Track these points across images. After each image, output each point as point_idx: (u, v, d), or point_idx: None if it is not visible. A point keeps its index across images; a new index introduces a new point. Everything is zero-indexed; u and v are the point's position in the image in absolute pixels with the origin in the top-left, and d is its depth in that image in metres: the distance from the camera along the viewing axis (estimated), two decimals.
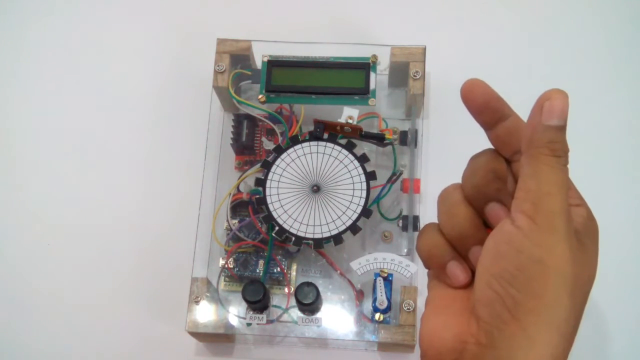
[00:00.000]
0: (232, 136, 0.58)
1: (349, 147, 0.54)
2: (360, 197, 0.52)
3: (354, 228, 0.52)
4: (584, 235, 0.33)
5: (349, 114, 0.53)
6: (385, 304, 0.52)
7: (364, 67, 0.55)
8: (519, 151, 0.35)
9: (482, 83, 0.37)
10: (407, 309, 0.51)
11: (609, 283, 0.58)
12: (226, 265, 0.55)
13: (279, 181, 0.53)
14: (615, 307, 0.57)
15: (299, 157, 0.54)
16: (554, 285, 0.31)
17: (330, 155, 0.53)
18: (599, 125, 0.62)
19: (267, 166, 0.54)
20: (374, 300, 0.52)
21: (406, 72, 0.57)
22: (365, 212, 0.52)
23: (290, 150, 0.54)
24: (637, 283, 0.58)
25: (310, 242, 0.52)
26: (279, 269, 0.55)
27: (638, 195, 0.60)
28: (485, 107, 0.37)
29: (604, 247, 0.58)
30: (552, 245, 0.31)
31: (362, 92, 0.55)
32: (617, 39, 0.65)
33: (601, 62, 0.64)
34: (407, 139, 0.56)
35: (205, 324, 0.53)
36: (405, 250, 0.55)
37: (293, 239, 0.52)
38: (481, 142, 0.62)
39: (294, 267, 0.56)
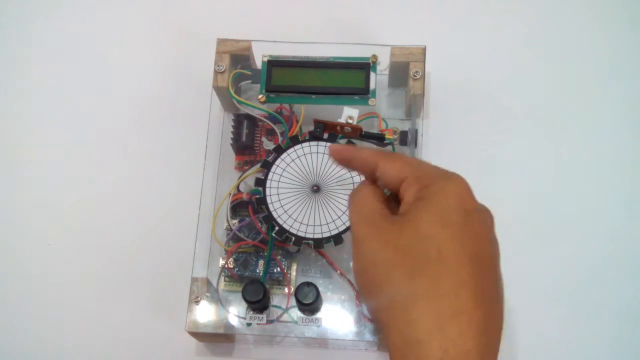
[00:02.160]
0: (232, 136, 0.58)
1: None
2: None
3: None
4: (410, 211, 0.35)
5: (349, 114, 0.53)
6: None
7: (364, 67, 0.55)
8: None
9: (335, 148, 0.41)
10: None
11: (609, 282, 0.58)
12: (226, 265, 0.55)
13: (279, 181, 0.53)
14: (615, 305, 0.57)
15: (299, 157, 0.54)
16: (374, 272, 0.34)
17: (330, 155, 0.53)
18: (599, 125, 0.62)
19: (267, 166, 0.54)
20: None
21: (406, 72, 0.57)
22: None
23: (290, 150, 0.54)
24: (637, 283, 0.58)
25: (310, 242, 0.52)
26: (279, 269, 0.55)
27: (637, 195, 0.60)
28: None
29: (603, 246, 0.58)
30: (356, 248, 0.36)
31: (362, 92, 0.55)
32: (617, 39, 0.65)
33: (600, 62, 0.64)
34: (407, 139, 0.56)
35: (205, 324, 0.53)
36: None
37: (293, 239, 0.52)
38: (481, 142, 0.63)
39: (294, 267, 0.56)
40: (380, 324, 0.34)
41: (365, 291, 0.36)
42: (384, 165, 0.37)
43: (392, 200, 0.38)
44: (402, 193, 0.36)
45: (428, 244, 0.33)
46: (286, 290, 0.55)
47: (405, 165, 0.37)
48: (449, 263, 0.33)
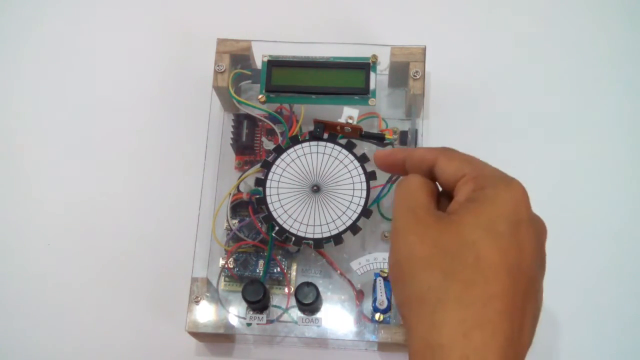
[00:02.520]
0: (232, 136, 0.58)
1: (349, 147, 0.54)
2: (360, 197, 0.52)
3: (354, 228, 0.52)
4: (458, 212, 0.34)
5: (349, 114, 0.53)
6: (385, 304, 0.52)
7: (364, 67, 0.55)
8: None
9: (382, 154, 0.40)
10: None
11: (609, 282, 0.58)
12: (226, 265, 0.55)
13: (279, 181, 0.53)
14: (616, 306, 0.57)
15: (299, 157, 0.54)
16: (407, 267, 0.33)
17: (330, 155, 0.53)
18: (599, 125, 0.62)
19: (267, 166, 0.54)
20: (374, 300, 0.52)
21: (406, 72, 0.57)
22: (365, 212, 0.52)
23: (290, 150, 0.54)
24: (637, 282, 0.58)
25: (310, 242, 0.52)
26: (279, 269, 0.55)
27: (637, 194, 0.60)
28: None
29: (603, 246, 0.58)
30: (393, 239, 0.35)
31: (362, 92, 0.55)
32: (617, 39, 0.65)
33: (601, 61, 0.64)
34: (407, 139, 0.56)
35: (205, 324, 0.53)
36: None
37: (293, 239, 0.52)
38: (481, 142, 0.63)
39: (294, 267, 0.56)
40: (405, 321, 0.33)
41: (396, 285, 0.34)
42: (444, 161, 0.36)
43: (444, 197, 0.37)
44: (456, 191, 0.35)
45: (468, 248, 0.32)
46: (286, 290, 0.55)
47: (465, 162, 0.36)
48: (484, 271, 0.31)
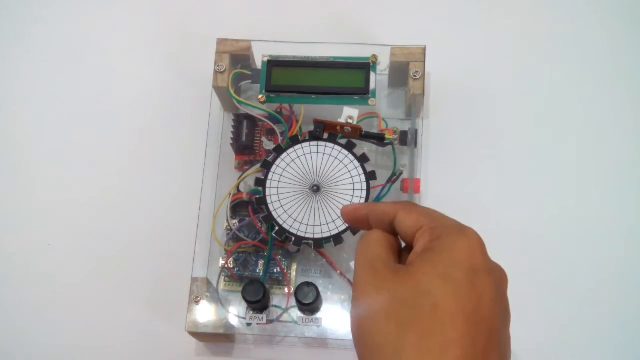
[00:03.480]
0: (232, 136, 0.58)
1: (349, 147, 0.54)
2: (360, 197, 0.52)
3: (354, 228, 0.52)
4: (415, 263, 0.34)
5: (349, 114, 0.53)
6: None
7: (364, 67, 0.55)
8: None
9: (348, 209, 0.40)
10: None
11: (609, 282, 0.58)
12: (226, 265, 0.55)
13: (279, 181, 0.53)
14: (616, 307, 0.57)
15: (299, 157, 0.54)
16: (366, 320, 0.33)
17: (330, 155, 0.53)
18: (600, 124, 0.62)
19: (267, 166, 0.54)
20: None
21: (406, 72, 0.57)
22: None
23: (290, 150, 0.54)
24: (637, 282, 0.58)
25: (310, 242, 0.52)
26: (279, 269, 0.55)
27: (638, 194, 0.60)
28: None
29: (605, 246, 0.58)
30: (353, 293, 0.35)
31: (362, 92, 0.55)
32: (617, 38, 0.65)
33: (602, 62, 0.64)
34: (407, 139, 0.56)
35: (205, 324, 0.53)
36: None
37: (293, 239, 0.52)
38: (481, 142, 0.63)
39: (294, 267, 0.56)
40: None
41: (356, 337, 0.34)
42: (403, 215, 0.36)
43: (406, 251, 0.37)
44: (415, 243, 0.35)
45: (425, 297, 0.32)
46: (286, 290, 0.55)
47: (422, 215, 0.36)
48: (441, 319, 0.31)
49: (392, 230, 0.37)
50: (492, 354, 0.32)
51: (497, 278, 0.34)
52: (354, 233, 0.52)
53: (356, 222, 0.40)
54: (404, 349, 0.31)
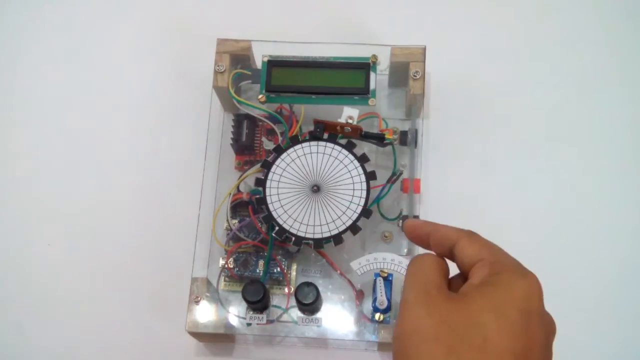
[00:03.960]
0: (232, 136, 0.58)
1: (349, 147, 0.54)
2: (360, 197, 0.52)
3: (354, 228, 0.52)
4: (470, 294, 0.34)
5: (349, 114, 0.53)
6: (385, 304, 0.52)
7: (364, 67, 0.55)
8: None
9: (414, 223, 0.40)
10: None
11: (609, 282, 0.58)
12: (226, 265, 0.55)
13: (279, 181, 0.53)
14: (616, 307, 0.57)
15: (299, 157, 0.54)
16: (413, 339, 0.33)
17: (330, 155, 0.53)
18: (600, 124, 0.62)
19: (267, 166, 0.54)
20: (374, 300, 0.52)
21: (406, 72, 0.57)
22: (365, 212, 0.52)
23: (290, 150, 0.54)
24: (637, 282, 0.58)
25: (310, 242, 0.52)
26: (279, 269, 0.55)
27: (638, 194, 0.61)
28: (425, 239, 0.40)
29: (605, 246, 0.58)
30: (402, 311, 0.34)
31: (362, 92, 0.55)
32: (617, 38, 0.65)
33: (602, 60, 0.64)
34: (407, 139, 0.56)
35: (205, 324, 0.53)
36: (405, 251, 0.55)
37: (293, 239, 0.52)
38: (481, 142, 0.63)
39: (294, 267, 0.56)
40: None
41: (399, 357, 0.34)
42: (465, 243, 0.36)
43: (456, 279, 0.37)
44: (471, 274, 0.35)
45: (476, 329, 0.32)
46: (286, 290, 0.55)
47: (485, 248, 0.36)
48: (490, 355, 0.31)
49: (449, 254, 0.37)
50: None
51: (548, 328, 0.34)
52: (354, 233, 0.52)
53: (417, 238, 0.39)
54: None
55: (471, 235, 0.37)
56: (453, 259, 0.37)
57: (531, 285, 0.33)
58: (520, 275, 0.34)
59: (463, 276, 0.37)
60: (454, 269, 0.37)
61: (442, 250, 0.38)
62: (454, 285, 0.37)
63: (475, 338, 0.31)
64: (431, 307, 0.33)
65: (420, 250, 0.39)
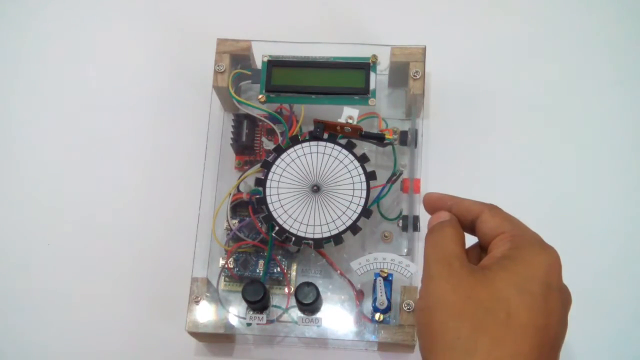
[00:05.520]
0: (232, 136, 0.58)
1: (349, 147, 0.54)
2: (360, 197, 0.52)
3: (354, 228, 0.52)
4: (492, 267, 0.35)
5: (349, 114, 0.53)
6: (385, 304, 0.52)
7: (364, 67, 0.55)
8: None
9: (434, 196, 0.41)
10: (407, 309, 0.51)
11: (609, 281, 0.58)
12: (226, 265, 0.55)
13: (279, 181, 0.53)
14: (621, 307, 0.57)
15: (299, 157, 0.54)
16: (438, 314, 0.34)
17: (330, 155, 0.53)
18: (600, 124, 0.62)
19: (267, 166, 0.54)
20: (374, 300, 0.52)
21: (406, 72, 0.57)
22: (365, 212, 0.52)
23: (290, 150, 0.54)
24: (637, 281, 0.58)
25: (310, 242, 0.52)
26: (279, 269, 0.55)
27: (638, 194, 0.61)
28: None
29: (605, 246, 0.58)
30: (425, 285, 0.36)
31: (362, 92, 0.55)
32: (617, 38, 0.65)
33: (602, 60, 0.64)
34: (407, 139, 0.56)
35: (205, 324, 0.53)
36: (405, 250, 0.55)
37: (293, 239, 0.52)
38: (481, 142, 0.63)
39: (294, 267, 0.56)
40: None
41: (423, 330, 0.35)
42: (488, 216, 0.37)
43: (474, 250, 0.38)
44: (492, 246, 0.36)
45: (500, 304, 0.33)
46: (286, 290, 0.55)
47: (506, 221, 0.37)
48: (514, 329, 0.32)
49: (469, 227, 0.38)
50: None
51: (566, 299, 0.35)
52: (354, 233, 0.52)
53: (436, 209, 0.40)
54: (475, 352, 0.32)
55: (493, 208, 0.38)
56: (473, 232, 0.38)
57: (551, 259, 0.35)
58: (541, 249, 0.35)
59: (480, 247, 0.38)
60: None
61: (463, 223, 0.39)
62: (471, 256, 0.38)
63: (499, 313, 0.33)
64: (455, 282, 0.34)
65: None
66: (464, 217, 0.39)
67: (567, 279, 0.57)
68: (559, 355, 0.34)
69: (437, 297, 0.34)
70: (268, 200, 0.53)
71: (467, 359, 0.32)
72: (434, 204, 0.40)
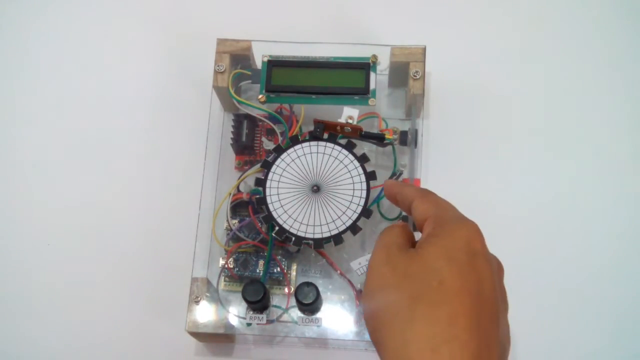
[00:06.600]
0: (232, 136, 0.58)
1: (349, 147, 0.54)
2: (360, 197, 0.52)
3: (354, 228, 0.52)
4: (422, 245, 0.38)
5: (349, 114, 0.54)
6: None
7: (364, 67, 0.55)
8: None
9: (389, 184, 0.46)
10: None
11: (608, 281, 0.58)
12: (226, 265, 0.55)
13: (279, 181, 0.53)
14: (617, 307, 0.57)
15: (299, 157, 0.54)
16: (379, 295, 0.37)
17: (330, 155, 0.53)
18: (600, 125, 0.62)
19: (267, 166, 0.54)
20: None
21: (406, 72, 0.57)
22: (365, 212, 0.52)
23: (290, 150, 0.54)
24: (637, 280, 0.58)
25: (310, 242, 0.52)
26: (279, 269, 0.55)
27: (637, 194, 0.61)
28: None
29: (604, 245, 0.58)
30: (369, 273, 0.39)
31: (362, 92, 0.55)
32: (616, 39, 0.65)
33: (602, 61, 0.64)
34: (407, 139, 0.56)
35: (205, 324, 0.53)
36: None
37: (293, 239, 0.52)
38: (481, 142, 0.63)
39: (294, 267, 0.56)
40: (378, 346, 0.36)
41: (369, 312, 0.38)
42: (418, 202, 0.41)
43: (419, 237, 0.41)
44: (423, 230, 0.40)
45: (432, 274, 0.36)
46: (286, 290, 0.55)
47: (432, 205, 0.40)
48: (448, 293, 0.35)
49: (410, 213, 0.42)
50: (493, 332, 0.35)
51: (495, 265, 0.38)
52: (354, 233, 0.52)
53: (391, 197, 0.45)
54: (414, 319, 0.34)
55: (424, 195, 0.42)
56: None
57: (470, 230, 0.37)
58: (461, 223, 0.38)
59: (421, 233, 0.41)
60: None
61: (406, 209, 0.43)
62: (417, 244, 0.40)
63: (432, 282, 0.35)
64: (393, 265, 0.38)
65: None
66: (405, 204, 0.43)
67: (567, 278, 0.58)
68: (503, 325, 0.36)
69: (378, 280, 0.38)
70: (268, 200, 0.53)
71: (408, 326, 0.34)
72: (386, 190, 0.45)
